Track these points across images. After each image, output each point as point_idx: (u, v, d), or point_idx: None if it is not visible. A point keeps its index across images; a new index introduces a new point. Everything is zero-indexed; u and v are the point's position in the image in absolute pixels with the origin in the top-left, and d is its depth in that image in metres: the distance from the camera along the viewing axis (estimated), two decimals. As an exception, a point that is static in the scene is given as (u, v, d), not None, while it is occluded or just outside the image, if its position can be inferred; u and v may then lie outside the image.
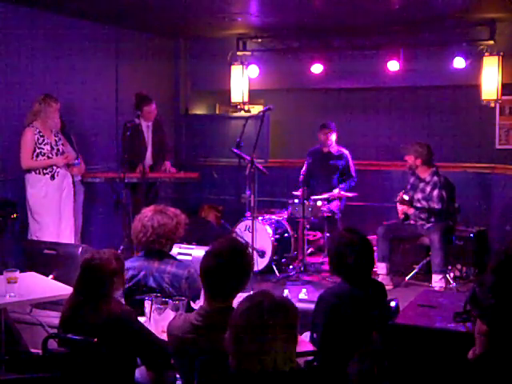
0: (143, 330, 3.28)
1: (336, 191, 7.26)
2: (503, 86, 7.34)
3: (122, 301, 3.91)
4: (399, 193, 6.59)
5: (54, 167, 6.02)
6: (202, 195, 8.67)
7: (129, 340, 3.19)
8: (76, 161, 6.35)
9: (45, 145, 5.97)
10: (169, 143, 7.63)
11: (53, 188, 6.01)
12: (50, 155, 6.00)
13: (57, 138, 6.09)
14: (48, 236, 5.88)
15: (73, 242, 6.12)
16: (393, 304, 3.94)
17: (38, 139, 5.94)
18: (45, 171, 5.96)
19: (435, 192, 6.39)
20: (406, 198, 6.49)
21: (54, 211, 6.01)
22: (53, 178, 6.01)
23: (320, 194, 7.18)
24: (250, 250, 5.91)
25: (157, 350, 3.22)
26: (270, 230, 6.91)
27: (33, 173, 5.95)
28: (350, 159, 7.53)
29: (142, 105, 7.08)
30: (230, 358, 2.28)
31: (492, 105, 7.47)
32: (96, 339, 3.11)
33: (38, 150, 5.94)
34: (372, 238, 5.59)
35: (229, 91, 8.55)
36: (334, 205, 7.25)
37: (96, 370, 3.13)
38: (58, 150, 6.06)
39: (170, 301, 3.49)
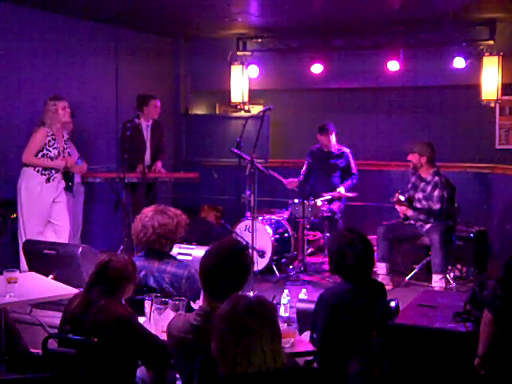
0: (145, 332, 3.27)
1: (339, 189, 7.21)
2: (503, 86, 7.34)
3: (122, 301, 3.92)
4: (395, 193, 6.56)
5: (53, 171, 5.96)
6: (201, 195, 8.67)
7: (130, 341, 3.19)
8: (78, 160, 6.34)
9: (54, 148, 5.91)
10: (165, 144, 7.59)
11: (45, 190, 5.94)
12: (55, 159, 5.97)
13: (66, 146, 6.06)
14: (30, 233, 5.83)
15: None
16: (393, 304, 3.94)
17: (50, 141, 5.89)
18: (43, 172, 5.92)
19: (436, 192, 6.38)
20: (402, 198, 6.47)
21: (40, 211, 5.93)
22: (48, 181, 5.95)
23: (320, 193, 7.16)
24: (250, 250, 5.96)
25: (157, 350, 3.22)
26: (269, 230, 6.91)
27: (31, 168, 5.90)
28: (350, 157, 7.48)
29: (149, 99, 7.10)
30: (220, 364, 2.29)
31: (492, 105, 7.48)
32: (96, 339, 3.11)
33: (45, 151, 5.88)
34: (372, 238, 5.58)
35: (229, 91, 8.55)
36: (335, 205, 7.24)
37: (97, 370, 3.13)
38: (63, 157, 6.02)
39: (170, 301, 3.49)
